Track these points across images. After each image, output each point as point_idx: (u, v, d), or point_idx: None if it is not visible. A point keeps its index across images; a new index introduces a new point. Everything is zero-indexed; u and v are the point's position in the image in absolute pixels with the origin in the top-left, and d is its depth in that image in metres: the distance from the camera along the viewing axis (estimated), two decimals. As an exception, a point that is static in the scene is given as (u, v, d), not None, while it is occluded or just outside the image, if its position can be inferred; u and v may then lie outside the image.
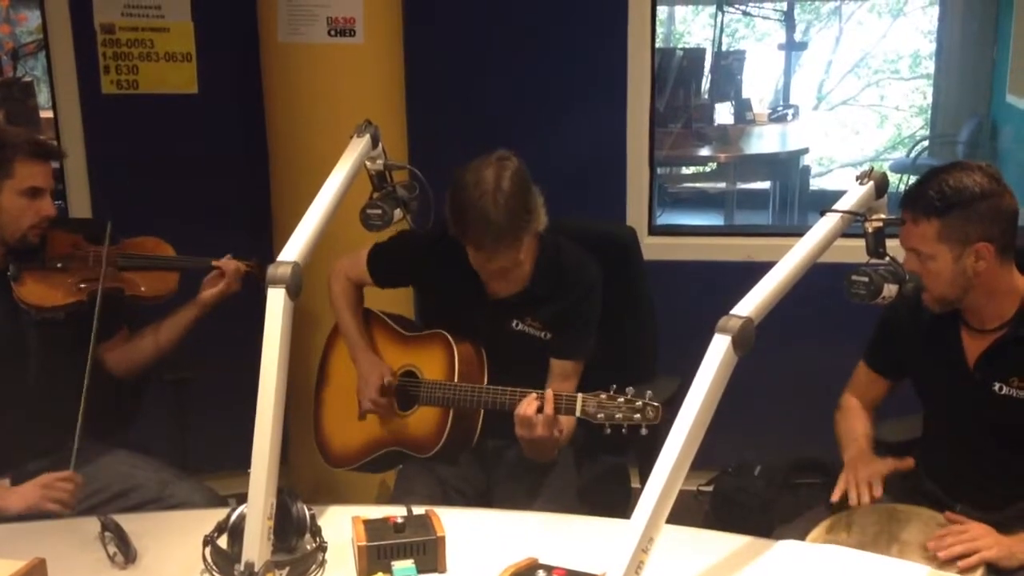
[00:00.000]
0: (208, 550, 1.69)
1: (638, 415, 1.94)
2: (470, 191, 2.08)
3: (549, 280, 2.26)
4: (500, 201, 2.06)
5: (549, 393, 2.06)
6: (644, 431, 1.94)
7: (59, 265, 2.31)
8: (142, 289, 2.41)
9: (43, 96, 4.04)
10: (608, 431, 1.98)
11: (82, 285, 2.31)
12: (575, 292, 2.27)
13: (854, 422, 2.20)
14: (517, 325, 2.29)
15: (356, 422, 2.40)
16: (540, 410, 2.04)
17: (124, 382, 2.48)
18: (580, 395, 2.02)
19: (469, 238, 2.13)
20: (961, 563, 1.79)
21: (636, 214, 3.51)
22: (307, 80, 3.04)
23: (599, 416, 1.98)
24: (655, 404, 1.94)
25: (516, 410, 2.07)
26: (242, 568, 1.47)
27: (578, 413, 2.02)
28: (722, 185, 6.49)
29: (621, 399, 1.96)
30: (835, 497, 1.99)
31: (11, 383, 2.24)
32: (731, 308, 1.49)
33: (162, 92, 3.40)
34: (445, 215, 2.14)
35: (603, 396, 1.99)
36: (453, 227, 2.13)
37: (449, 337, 2.28)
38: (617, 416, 1.96)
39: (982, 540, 1.82)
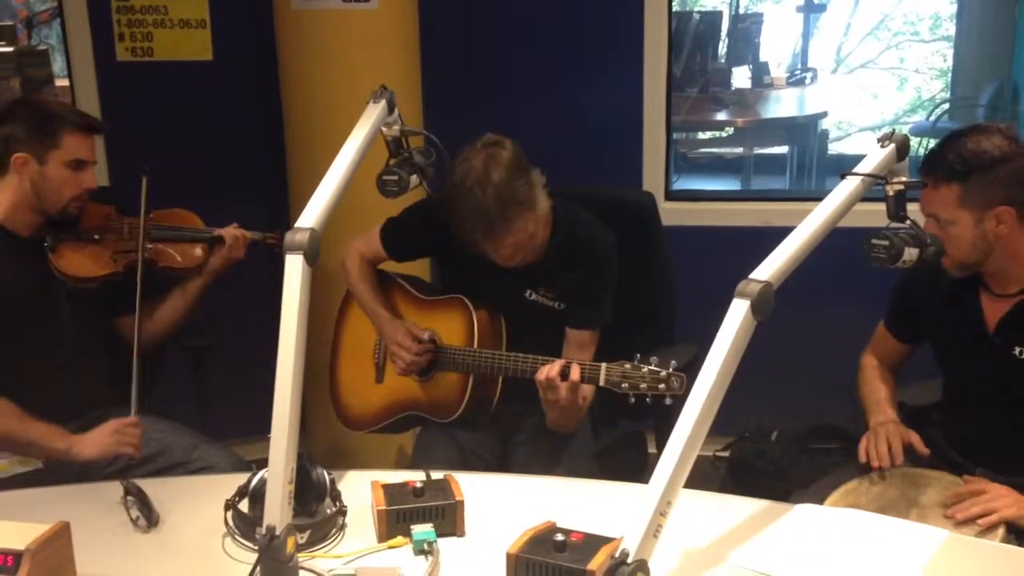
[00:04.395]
0: (230, 514, 1.71)
1: (662, 385, 1.92)
2: (459, 185, 2.07)
3: (563, 251, 2.25)
4: (489, 193, 2.04)
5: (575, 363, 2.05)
6: (668, 401, 1.92)
7: (95, 236, 2.35)
8: (175, 260, 2.45)
9: (58, 64, 4.02)
10: (632, 400, 1.96)
11: (117, 256, 2.35)
12: (589, 263, 2.26)
13: (877, 383, 2.20)
14: (531, 295, 2.29)
15: (374, 386, 2.41)
16: (564, 376, 2.03)
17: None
18: (604, 364, 2.00)
19: (464, 233, 2.11)
20: (981, 520, 1.80)
21: (653, 179, 3.49)
22: (322, 46, 3.03)
23: (623, 386, 1.96)
24: (679, 374, 1.92)
25: (538, 375, 2.06)
26: (263, 532, 1.48)
27: (602, 382, 2.00)
28: (739, 150, 6.44)
29: (645, 369, 1.94)
30: (862, 458, 2.00)
31: (45, 351, 2.27)
32: (749, 273, 1.48)
33: (177, 59, 3.39)
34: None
35: (627, 366, 1.96)
36: (451, 224, 2.12)
37: (468, 302, 2.28)
38: (641, 386, 1.94)
39: (1000, 500, 1.82)
